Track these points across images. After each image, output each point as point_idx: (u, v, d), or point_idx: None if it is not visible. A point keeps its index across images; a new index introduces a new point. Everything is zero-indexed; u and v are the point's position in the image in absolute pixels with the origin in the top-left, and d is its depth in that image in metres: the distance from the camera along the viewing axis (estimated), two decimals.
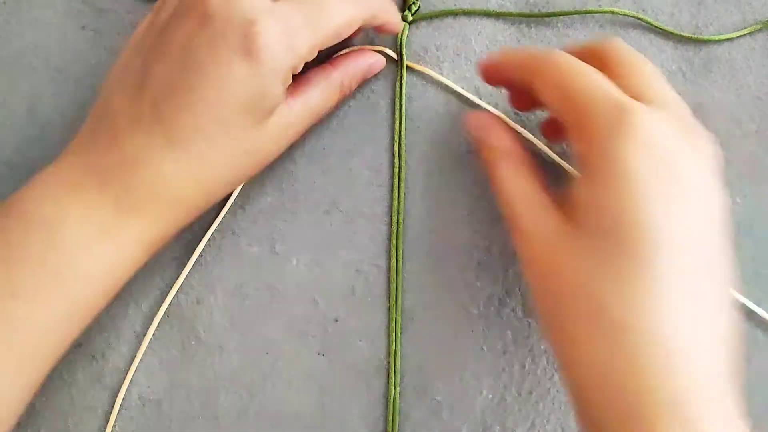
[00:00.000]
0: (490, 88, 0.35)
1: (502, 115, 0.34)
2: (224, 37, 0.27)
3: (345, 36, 0.30)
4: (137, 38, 0.30)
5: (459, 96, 0.35)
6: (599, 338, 0.24)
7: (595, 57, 0.27)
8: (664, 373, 0.23)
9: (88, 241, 0.27)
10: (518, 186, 0.28)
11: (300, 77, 0.30)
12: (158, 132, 0.27)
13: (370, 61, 0.33)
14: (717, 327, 0.24)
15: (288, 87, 0.29)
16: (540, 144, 0.34)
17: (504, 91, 0.35)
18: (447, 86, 0.35)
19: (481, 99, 0.35)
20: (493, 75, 0.31)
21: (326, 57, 0.33)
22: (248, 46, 0.26)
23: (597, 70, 0.26)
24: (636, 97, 0.26)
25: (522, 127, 0.34)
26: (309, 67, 0.31)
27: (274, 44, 0.27)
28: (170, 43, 0.27)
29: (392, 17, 0.32)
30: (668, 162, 0.24)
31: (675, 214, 0.24)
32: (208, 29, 0.27)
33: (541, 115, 0.34)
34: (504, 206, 0.28)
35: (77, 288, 0.26)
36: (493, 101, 0.35)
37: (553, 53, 0.27)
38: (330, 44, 0.29)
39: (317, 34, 0.28)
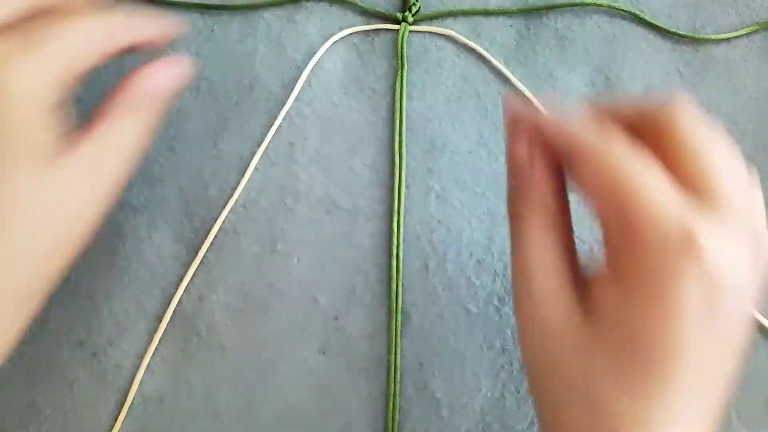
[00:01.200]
0: (490, 88, 0.35)
1: (522, 87, 0.34)
2: None
3: (97, 53, 0.25)
4: None
5: (459, 95, 0.35)
6: None
7: (649, 127, 0.23)
8: None
9: None
10: (540, 252, 0.24)
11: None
12: None
13: (161, 71, 0.27)
14: None
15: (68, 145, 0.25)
16: None
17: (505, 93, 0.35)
18: (446, 86, 0.35)
19: (480, 100, 0.35)
20: (519, 132, 0.25)
21: None
22: None
23: (654, 166, 0.22)
24: (697, 187, 0.22)
25: None
26: None
27: (19, 79, 0.23)
28: None
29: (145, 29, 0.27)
30: (721, 290, 0.21)
31: (707, 340, 0.22)
32: None
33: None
34: (516, 267, 0.25)
35: None
36: (493, 101, 0.35)
37: (604, 139, 0.22)
38: (79, 68, 0.25)
39: (61, 61, 0.24)
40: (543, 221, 0.24)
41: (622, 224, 0.22)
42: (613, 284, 0.23)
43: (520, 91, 0.35)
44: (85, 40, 0.24)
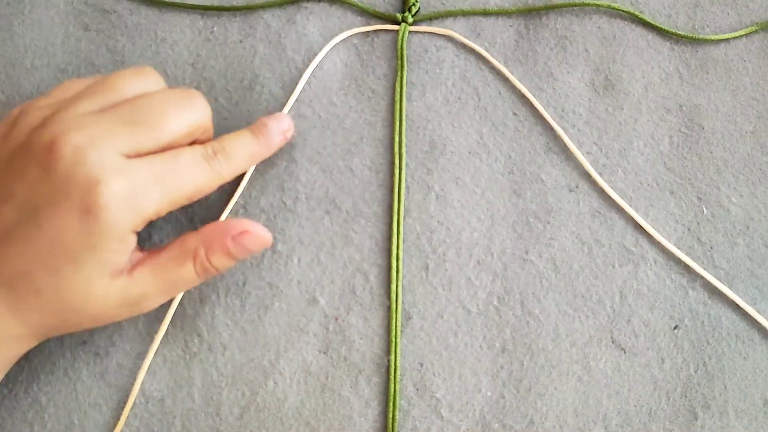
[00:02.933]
0: (490, 88, 0.35)
1: (522, 87, 0.34)
2: (66, 191, 0.26)
3: (197, 199, 0.29)
4: None
5: (459, 95, 0.35)
6: None
7: None
8: None
9: None
10: None
11: (161, 246, 0.30)
12: None
13: (235, 231, 0.29)
14: None
15: (141, 256, 0.29)
16: (573, 147, 0.34)
17: (506, 86, 0.35)
18: (446, 86, 0.35)
19: (480, 100, 0.35)
20: None
21: None
22: (88, 204, 0.26)
23: None
24: None
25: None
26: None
27: (116, 205, 0.26)
28: (13, 185, 0.27)
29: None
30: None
31: None
32: (52, 180, 0.26)
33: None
34: None
35: None
36: (492, 101, 0.35)
37: None
38: (180, 206, 0.29)
39: (166, 197, 0.28)
40: None
41: None
42: None
43: (520, 90, 0.35)
44: (189, 191, 0.29)
